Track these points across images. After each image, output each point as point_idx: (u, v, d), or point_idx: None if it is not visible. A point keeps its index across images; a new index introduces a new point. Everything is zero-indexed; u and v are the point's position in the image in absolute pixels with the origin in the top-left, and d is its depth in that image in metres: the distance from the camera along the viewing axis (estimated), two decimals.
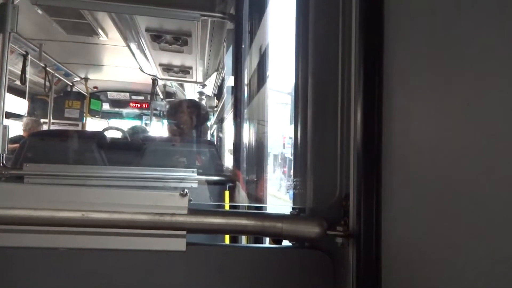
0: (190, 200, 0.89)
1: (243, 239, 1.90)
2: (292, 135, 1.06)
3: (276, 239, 1.07)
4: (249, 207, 2.22)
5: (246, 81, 2.39)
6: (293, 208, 0.98)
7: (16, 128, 4.87)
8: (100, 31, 3.31)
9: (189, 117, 2.92)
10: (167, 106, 5.52)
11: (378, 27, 0.74)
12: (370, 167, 0.75)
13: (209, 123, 5.41)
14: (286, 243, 1.00)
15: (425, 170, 0.60)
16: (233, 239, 1.98)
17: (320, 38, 0.97)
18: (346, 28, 0.88)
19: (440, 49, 0.57)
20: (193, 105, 3.25)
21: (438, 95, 0.57)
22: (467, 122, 0.51)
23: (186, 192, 0.88)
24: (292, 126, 1.07)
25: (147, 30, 2.98)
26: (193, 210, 0.88)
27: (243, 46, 2.35)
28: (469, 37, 0.51)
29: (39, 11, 2.84)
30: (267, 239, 1.37)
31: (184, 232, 0.88)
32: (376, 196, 0.73)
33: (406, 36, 0.68)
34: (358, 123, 0.76)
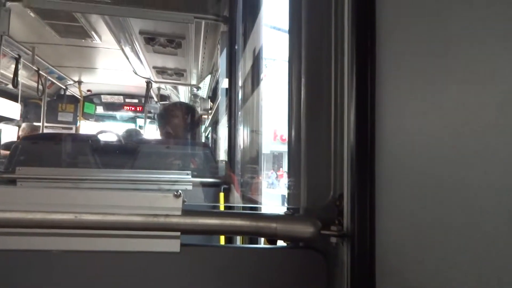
0: (184, 201, 0.88)
1: (238, 240, 1.90)
2: (286, 135, 1.06)
3: (271, 240, 1.06)
4: (244, 209, 2.21)
5: (240, 83, 2.39)
6: (288, 208, 0.98)
7: (9, 133, 4.83)
8: (93, 34, 3.29)
9: (179, 121, 2.84)
10: (158, 110, 5.46)
11: (370, 26, 0.75)
12: (363, 167, 0.75)
13: (203, 126, 5.39)
14: (280, 243, 1.00)
15: (419, 169, 0.60)
16: (228, 240, 1.97)
17: (313, 38, 0.98)
18: (338, 28, 0.88)
19: (433, 48, 0.58)
20: (183, 108, 3.11)
21: (432, 94, 0.58)
22: (461, 122, 0.51)
23: (180, 193, 0.88)
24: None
25: (140, 32, 2.97)
26: (187, 211, 0.88)
27: (236, 48, 2.35)
28: (463, 36, 0.52)
29: (32, 14, 2.82)
30: (262, 239, 1.36)
31: (178, 233, 0.88)
32: (369, 195, 0.74)
33: (399, 35, 0.68)
34: (352, 123, 0.76)
